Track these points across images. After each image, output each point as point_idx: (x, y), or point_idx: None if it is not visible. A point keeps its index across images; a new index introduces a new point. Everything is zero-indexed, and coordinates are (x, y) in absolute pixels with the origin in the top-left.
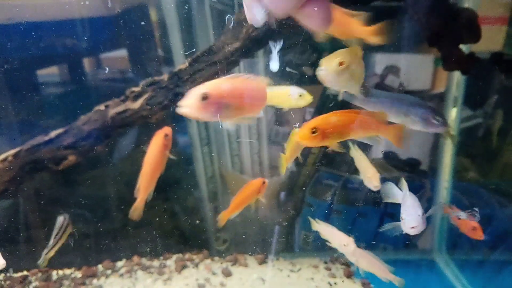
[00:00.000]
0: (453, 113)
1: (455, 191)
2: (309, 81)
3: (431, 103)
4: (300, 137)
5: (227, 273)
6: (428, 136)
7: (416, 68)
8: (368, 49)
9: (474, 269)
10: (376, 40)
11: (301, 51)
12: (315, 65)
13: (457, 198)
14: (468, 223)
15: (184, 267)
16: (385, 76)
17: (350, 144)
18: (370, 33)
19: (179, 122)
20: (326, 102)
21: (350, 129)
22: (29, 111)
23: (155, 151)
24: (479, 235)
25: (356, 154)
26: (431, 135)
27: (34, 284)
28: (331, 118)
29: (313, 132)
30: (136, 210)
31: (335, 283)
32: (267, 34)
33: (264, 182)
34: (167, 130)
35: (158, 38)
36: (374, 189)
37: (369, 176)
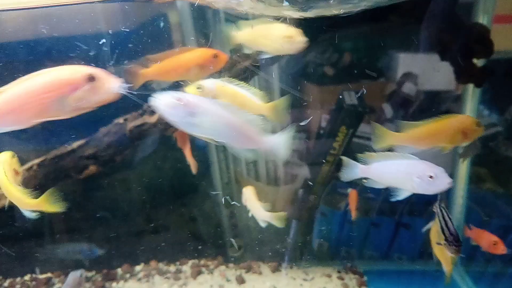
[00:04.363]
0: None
1: (470, 202)
2: (329, 81)
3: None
4: None
5: (240, 280)
6: None
7: (439, 68)
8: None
9: (489, 282)
10: (272, 116)
11: (322, 50)
12: (336, 64)
13: (473, 208)
14: (489, 238)
15: (199, 273)
16: (401, 84)
17: None
18: (266, 110)
19: None
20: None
21: None
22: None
23: None
24: (501, 249)
25: None
26: None
27: (57, 286)
28: None
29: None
30: None
31: None
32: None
33: (215, 56)
34: None
35: None
36: None
37: None
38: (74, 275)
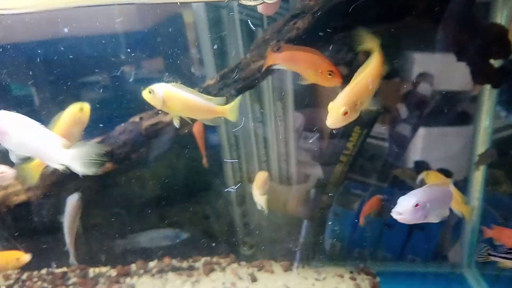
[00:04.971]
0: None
1: (486, 204)
2: (344, 80)
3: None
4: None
5: (253, 279)
6: (462, 147)
7: (455, 68)
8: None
9: (504, 286)
10: (229, 116)
11: (336, 50)
12: (350, 64)
13: (489, 211)
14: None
15: (211, 270)
16: (417, 84)
17: None
18: (224, 112)
19: (209, 129)
20: None
21: None
22: None
23: None
24: None
25: None
26: (466, 145)
27: (72, 280)
28: None
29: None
30: None
31: None
32: None
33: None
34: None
35: (190, 52)
36: None
37: None
38: (72, 199)
